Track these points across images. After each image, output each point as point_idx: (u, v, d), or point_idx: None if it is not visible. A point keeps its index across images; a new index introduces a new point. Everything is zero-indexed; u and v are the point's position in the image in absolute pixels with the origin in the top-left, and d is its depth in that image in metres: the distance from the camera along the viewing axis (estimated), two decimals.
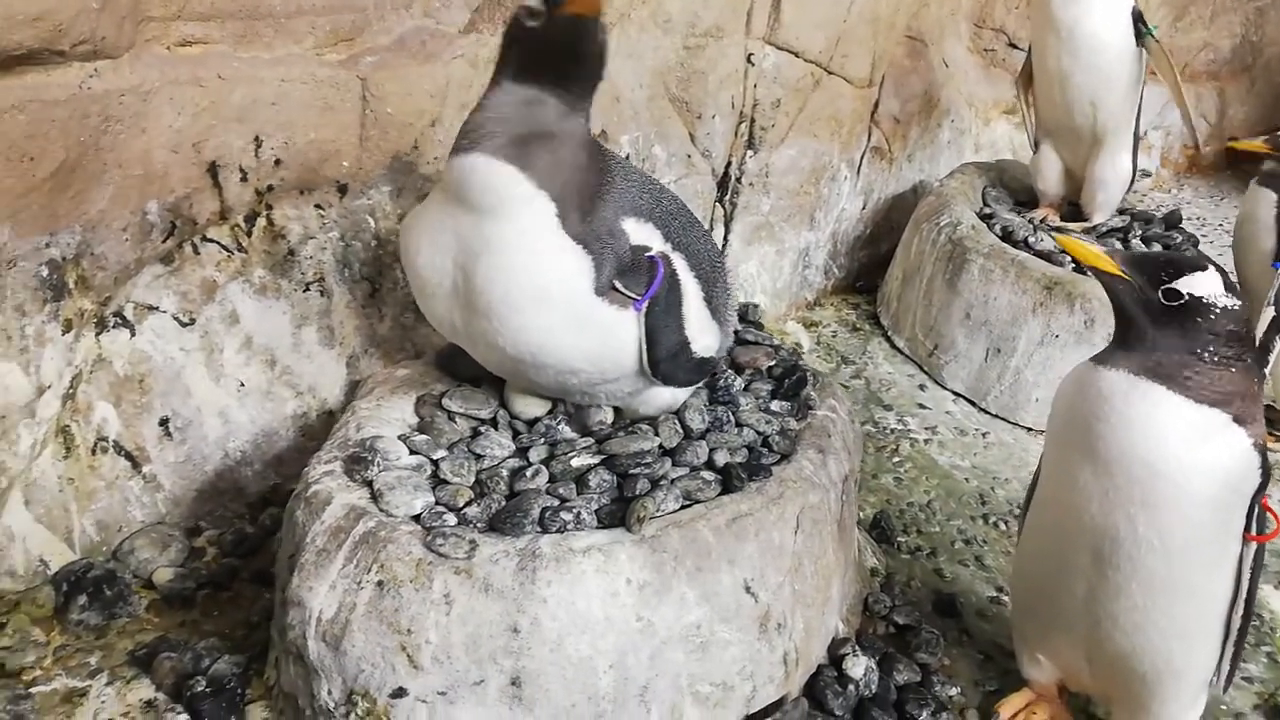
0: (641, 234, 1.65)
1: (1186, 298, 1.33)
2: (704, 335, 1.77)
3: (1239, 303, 1.36)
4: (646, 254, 1.64)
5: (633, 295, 1.61)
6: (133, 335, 1.87)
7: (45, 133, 1.61)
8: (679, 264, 1.71)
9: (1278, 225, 2.56)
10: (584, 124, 1.59)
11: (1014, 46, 3.92)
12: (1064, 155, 3.00)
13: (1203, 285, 1.33)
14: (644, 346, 1.64)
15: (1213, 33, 5.06)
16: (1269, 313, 2.48)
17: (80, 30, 1.58)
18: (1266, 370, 2.52)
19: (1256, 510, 1.40)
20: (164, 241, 1.88)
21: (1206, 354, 1.33)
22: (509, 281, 1.53)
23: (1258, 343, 2.50)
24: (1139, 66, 2.82)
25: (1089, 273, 1.45)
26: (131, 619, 1.78)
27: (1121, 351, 1.38)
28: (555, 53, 1.53)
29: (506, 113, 1.54)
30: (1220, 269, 1.39)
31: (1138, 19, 2.75)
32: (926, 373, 2.95)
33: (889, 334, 3.13)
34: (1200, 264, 1.36)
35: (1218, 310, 1.33)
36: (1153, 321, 1.35)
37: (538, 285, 1.54)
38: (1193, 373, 1.32)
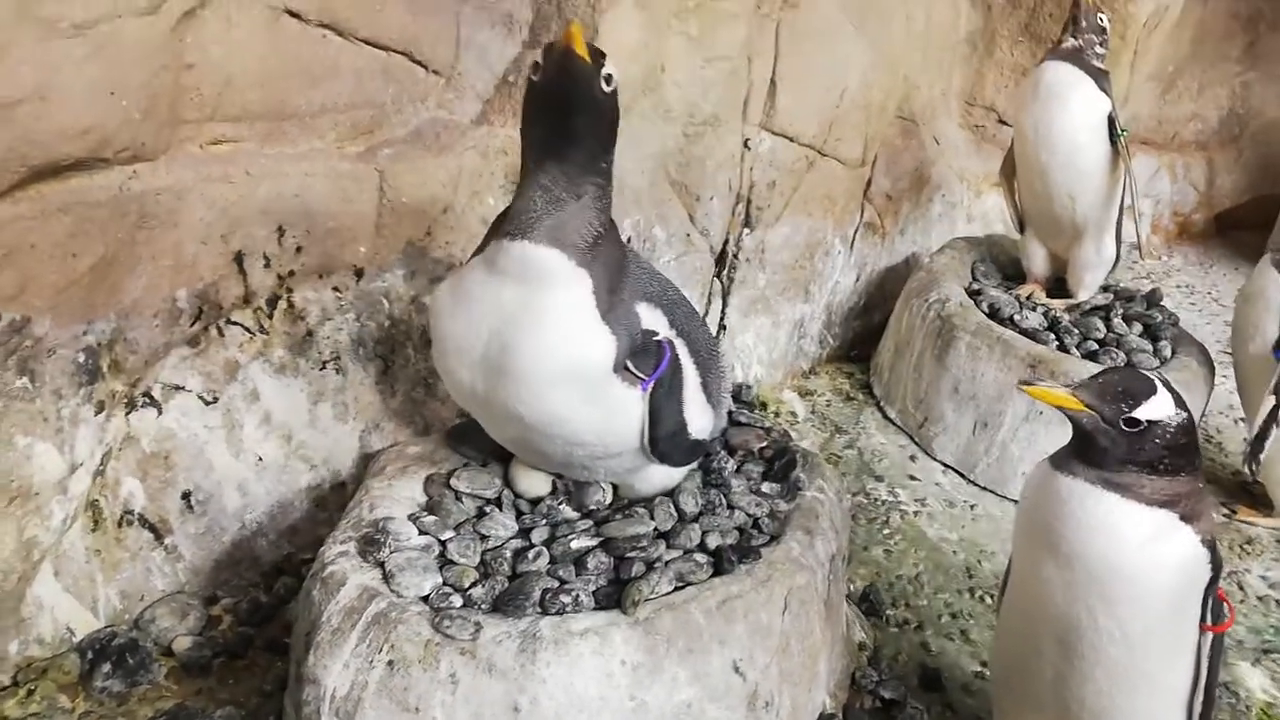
0: (651, 318, 1.76)
1: (1144, 423, 1.45)
2: (700, 418, 1.88)
3: (1186, 414, 1.47)
4: (655, 338, 1.75)
5: (641, 375, 1.70)
6: (160, 414, 1.98)
7: (87, 231, 1.73)
8: (681, 350, 1.81)
9: None
10: (604, 200, 1.63)
11: (1004, 123, 4.07)
12: (1046, 242, 3.13)
13: (1158, 409, 1.45)
14: (646, 425, 1.74)
15: (1200, 104, 5.23)
16: (1269, 401, 2.51)
17: (124, 139, 1.71)
18: (1261, 456, 2.57)
19: (1211, 601, 1.49)
20: (191, 325, 1.99)
21: (1158, 464, 1.46)
22: (546, 353, 1.61)
23: (1255, 430, 2.54)
24: (1115, 162, 2.93)
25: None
26: (152, 686, 1.86)
27: (1079, 461, 1.49)
28: (556, 103, 1.55)
29: (541, 196, 1.59)
30: (1169, 387, 1.50)
31: (1112, 121, 2.87)
32: (917, 443, 3.05)
33: (881, 404, 3.23)
34: (1152, 387, 1.48)
35: (1171, 429, 1.46)
36: (1111, 442, 1.46)
37: (572, 359, 1.62)
38: (1145, 480, 1.45)
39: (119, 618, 1.95)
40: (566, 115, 1.55)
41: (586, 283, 1.62)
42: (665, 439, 1.77)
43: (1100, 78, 2.88)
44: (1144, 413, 1.44)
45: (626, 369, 1.68)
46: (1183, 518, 1.45)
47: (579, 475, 1.87)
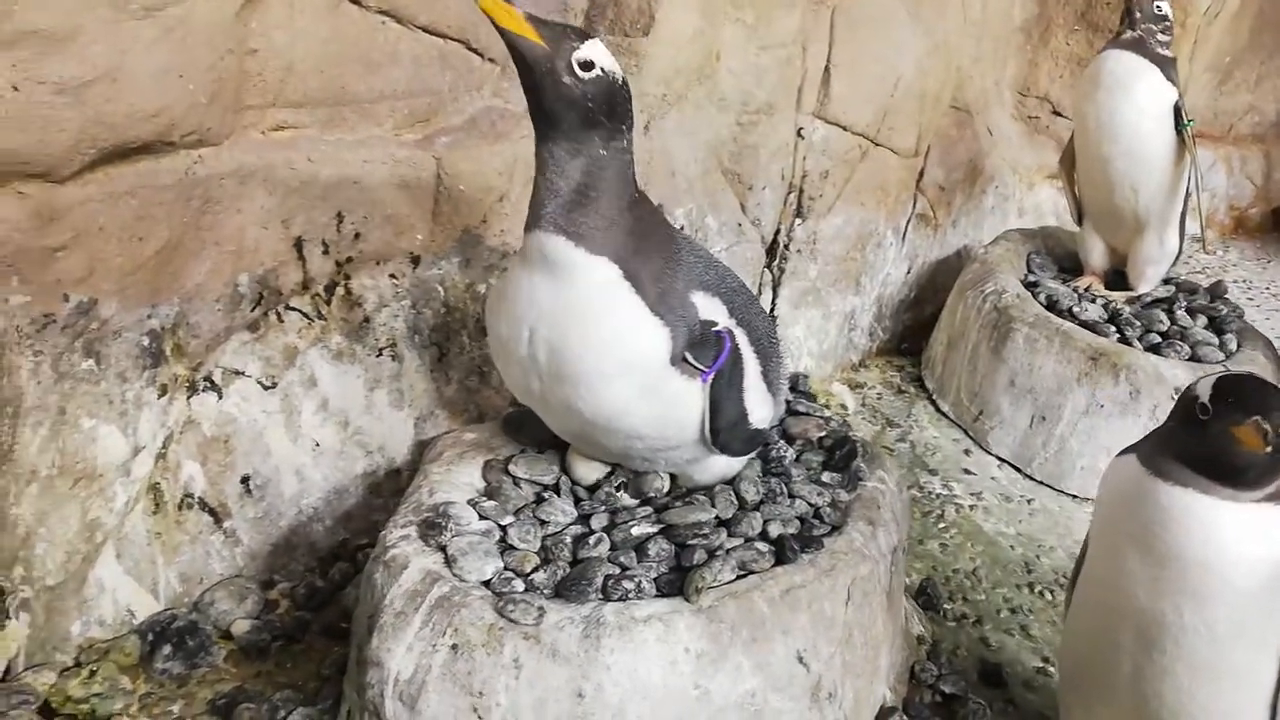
0: (709, 308, 1.73)
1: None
2: (760, 408, 1.85)
3: None
4: (714, 329, 1.72)
5: (701, 367, 1.68)
6: (220, 398, 1.99)
7: (153, 215, 1.74)
8: (741, 339, 1.78)
9: None
10: (612, 181, 1.59)
11: (1057, 114, 4.00)
12: (1106, 236, 3.05)
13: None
14: (706, 417, 1.72)
15: (1257, 96, 5.11)
16: None
17: (190, 123, 1.72)
18: None
19: None
20: (252, 310, 2.00)
21: (1222, 454, 1.38)
22: (594, 350, 1.59)
23: None
24: (1180, 153, 2.85)
25: None
26: (211, 669, 1.88)
27: (1176, 462, 1.42)
28: (522, 82, 1.53)
29: (543, 182, 1.57)
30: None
31: (1178, 110, 2.79)
32: (971, 438, 3.00)
33: (934, 398, 3.18)
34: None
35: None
36: (1191, 435, 1.41)
37: (623, 354, 1.60)
38: (1215, 471, 1.39)
39: (179, 600, 1.97)
40: (532, 96, 1.53)
41: (612, 270, 1.58)
42: (726, 430, 1.75)
43: (1166, 65, 2.81)
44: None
45: (685, 361, 1.66)
46: None
47: (639, 466, 1.85)
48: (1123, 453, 1.55)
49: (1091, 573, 1.62)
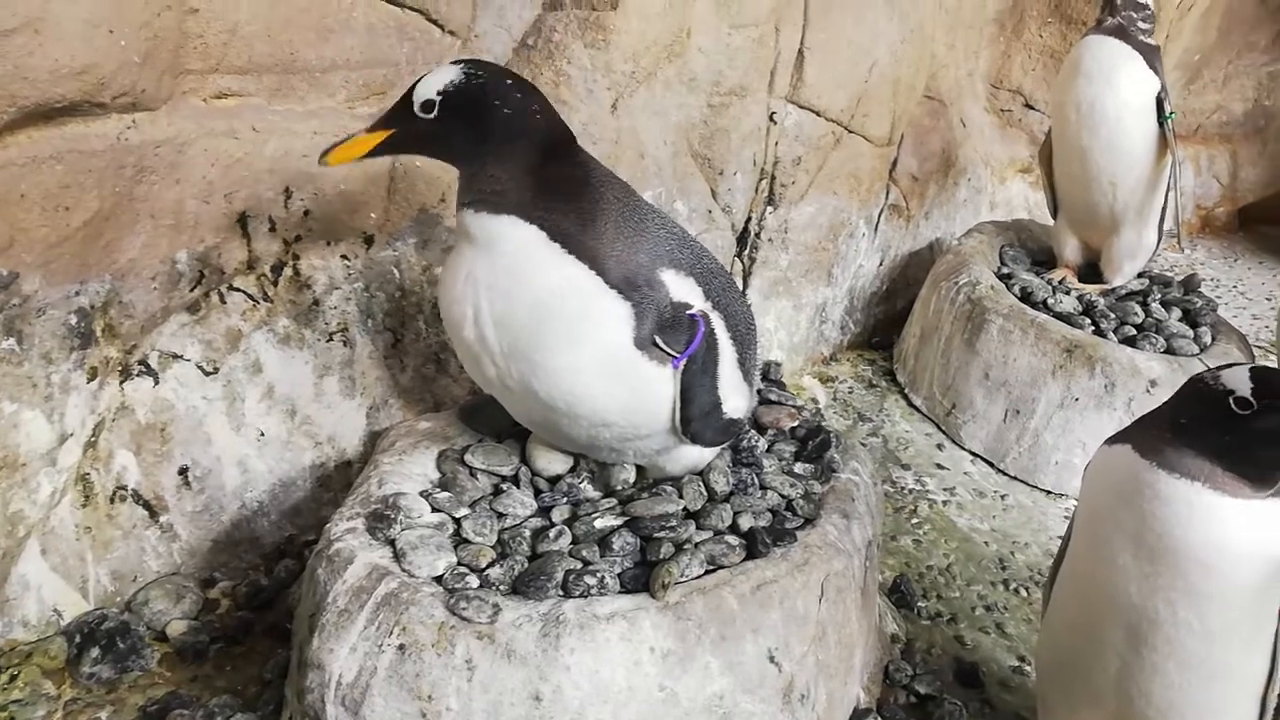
0: (682, 289, 1.63)
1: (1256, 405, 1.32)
2: (735, 397, 1.76)
3: None
4: (688, 311, 1.63)
5: (673, 352, 1.59)
6: (156, 383, 1.87)
7: (81, 183, 1.62)
8: (717, 324, 1.70)
9: None
10: (526, 146, 1.54)
11: (1030, 107, 3.96)
12: (1080, 232, 3.00)
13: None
14: (677, 404, 1.63)
15: (1225, 96, 5.12)
16: None
17: (122, 83, 1.60)
18: None
19: None
20: (191, 290, 1.88)
21: (1267, 451, 1.33)
22: (531, 312, 1.52)
23: None
24: (1161, 147, 2.78)
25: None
26: (144, 673, 1.76)
27: (1191, 454, 1.36)
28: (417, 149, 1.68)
29: (464, 171, 1.58)
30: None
31: (1160, 102, 2.73)
32: (944, 432, 2.94)
33: (906, 391, 3.12)
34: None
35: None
36: (1220, 429, 1.34)
37: (562, 317, 1.51)
38: (1248, 468, 1.33)
39: (110, 600, 1.84)
40: (425, 153, 1.68)
41: (529, 230, 1.51)
42: (699, 419, 1.66)
43: (1150, 54, 2.74)
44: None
45: (655, 345, 1.57)
46: None
47: (607, 457, 1.75)
48: (1111, 442, 1.48)
49: (1076, 568, 1.55)
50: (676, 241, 1.68)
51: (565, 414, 1.61)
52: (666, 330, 1.58)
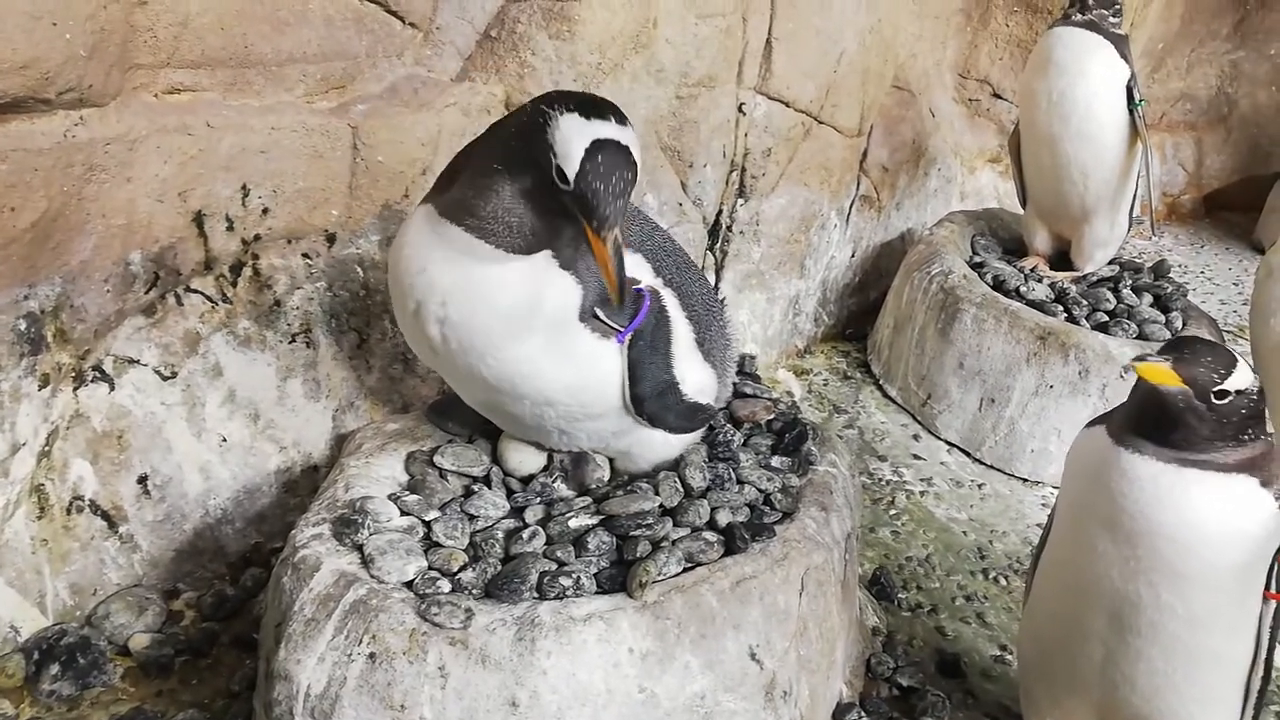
0: (628, 264, 1.58)
1: (1232, 394, 1.34)
2: (694, 376, 1.72)
3: (1257, 378, 1.37)
4: (634, 287, 1.59)
5: (615, 326, 1.56)
6: (112, 389, 1.81)
7: (28, 182, 1.55)
8: (670, 301, 1.67)
9: None
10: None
11: (998, 97, 3.96)
12: (1050, 222, 3.00)
13: (1242, 379, 1.35)
14: (626, 382, 1.60)
15: (1189, 83, 5.15)
16: None
17: (68, 78, 1.54)
18: None
19: (1277, 568, 1.37)
20: (146, 293, 1.82)
21: (1240, 435, 1.35)
22: (480, 299, 1.48)
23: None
24: (1131, 136, 2.78)
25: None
26: (106, 689, 1.70)
27: (1143, 435, 1.37)
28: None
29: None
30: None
31: (1130, 90, 2.72)
32: (920, 422, 2.93)
33: (880, 382, 3.11)
34: (1233, 358, 1.37)
35: (1253, 397, 1.36)
36: (1199, 418, 1.34)
37: (515, 304, 1.48)
38: (1222, 450, 1.34)
39: (69, 614, 1.78)
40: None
41: (429, 211, 1.50)
42: (652, 398, 1.63)
43: (1120, 43, 2.73)
44: (1232, 384, 1.33)
45: (596, 318, 1.54)
46: (1262, 483, 1.34)
47: (560, 443, 1.71)
48: (1089, 426, 1.47)
49: (1057, 555, 1.54)
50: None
51: (509, 394, 1.57)
52: (608, 303, 1.54)
